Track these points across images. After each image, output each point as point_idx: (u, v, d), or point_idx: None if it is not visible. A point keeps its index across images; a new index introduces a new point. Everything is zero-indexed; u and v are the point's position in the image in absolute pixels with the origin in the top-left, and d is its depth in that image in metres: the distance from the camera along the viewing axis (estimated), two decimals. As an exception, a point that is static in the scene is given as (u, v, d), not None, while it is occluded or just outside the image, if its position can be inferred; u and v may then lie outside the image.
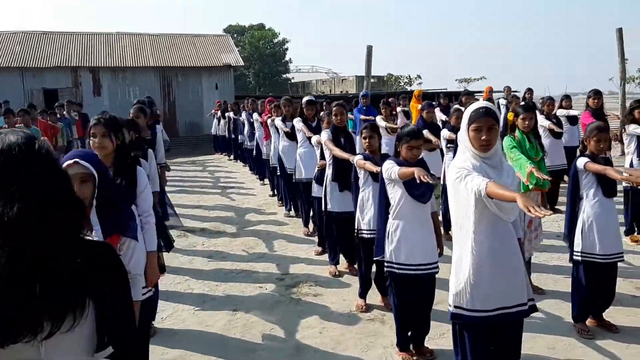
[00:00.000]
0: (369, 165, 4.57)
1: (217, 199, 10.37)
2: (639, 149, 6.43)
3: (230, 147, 16.28)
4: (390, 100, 13.42)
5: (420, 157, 4.14)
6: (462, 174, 2.90)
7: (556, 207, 8.07)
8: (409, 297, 4.02)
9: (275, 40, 50.72)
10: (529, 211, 2.41)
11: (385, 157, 4.52)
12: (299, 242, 7.16)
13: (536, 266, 5.78)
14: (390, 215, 4.02)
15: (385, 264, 4.01)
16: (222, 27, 54.11)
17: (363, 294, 5.02)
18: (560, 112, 9.83)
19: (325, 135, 5.72)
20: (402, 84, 31.29)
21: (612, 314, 4.54)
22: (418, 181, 3.50)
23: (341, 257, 5.94)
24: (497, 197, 2.67)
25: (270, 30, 51.19)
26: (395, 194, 3.97)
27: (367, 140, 4.76)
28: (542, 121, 8.35)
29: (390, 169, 3.90)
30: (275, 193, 9.81)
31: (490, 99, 10.41)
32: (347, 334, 4.49)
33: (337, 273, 5.81)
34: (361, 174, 4.90)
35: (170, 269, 6.23)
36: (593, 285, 4.33)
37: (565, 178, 9.19)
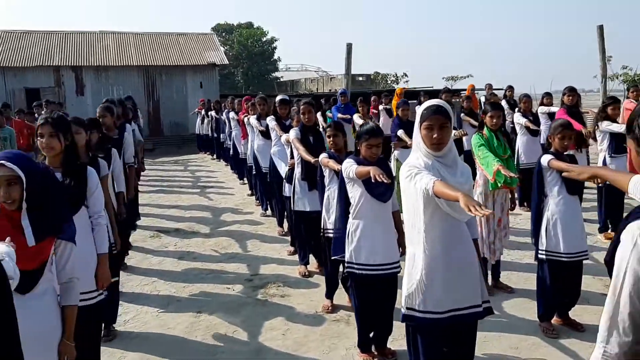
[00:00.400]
0: (332, 164, 4.50)
1: (195, 198, 10.27)
2: (611, 146, 6.40)
3: (214, 146, 16.17)
4: (373, 98, 13.38)
5: (382, 156, 4.07)
6: (412, 173, 2.84)
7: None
8: (370, 297, 3.95)
9: (264, 39, 50.52)
10: (469, 210, 2.35)
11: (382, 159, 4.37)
12: (272, 241, 7.08)
13: (508, 264, 5.74)
14: (350, 215, 3.95)
15: (346, 264, 3.95)
16: (210, 25, 53.86)
17: (329, 294, 4.95)
18: (541, 110, 9.82)
19: (293, 134, 5.64)
20: (389, 82, 31.24)
21: (579, 313, 4.50)
22: (373, 180, 3.44)
23: (311, 257, 5.87)
24: (443, 196, 2.61)
25: (258, 29, 50.97)
26: (355, 193, 3.90)
27: (331, 139, 4.68)
28: (519, 119, 8.33)
29: (348, 167, 3.83)
30: (254, 192, 9.72)
31: (468, 98, 10.36)
32: (310, 336, 4.41)
33: (306, 273, 5.73)
34: (327, 173, 4.83)
35: (140, 271, 6.16)
36: (558, 284, 4.28)
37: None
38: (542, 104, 10.10)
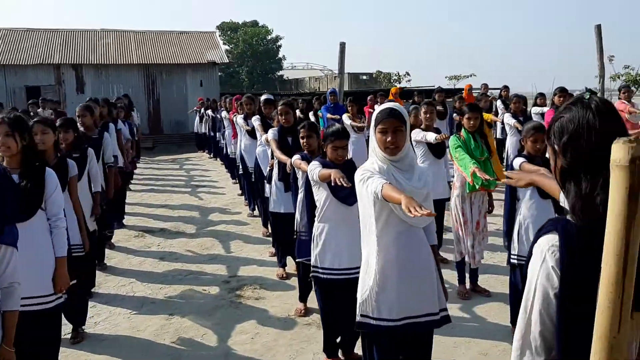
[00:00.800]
0: (304, 166, 4.42)
1: (185, 198, 10.23)
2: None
3: (211, 145, 16.15)
4: (369, 97, 13.30)
5: (350, 158, 4.01)
6: (365, 177, 2.79)
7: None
8: (336, 301, 3.88)
9: (269, 37, 50.49)
10: (409, 211, 2.30)
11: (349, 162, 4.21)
12: (256, 242, 7.03)
13: (488, 267, 5.67)
14: (316, 218, 3.89)
15: (311, 269, 3.89)
16: (216, 23, 53.90)
17: (303, 297, 4.89)
18: (534, 110, 9.74)
19: (271, 134, 5.58)
20: (392, 81, 31.05)
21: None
22: (333, 184, 3.38)
23: (290, 259, 5.81)
24: (389, 199, 2.57)
25: (263, 27, 50.94)
26: (321, 195, 3.84)
27: (304, 140, 4.61)
28: (508, 119, 8.25)
29: (313, 170, 3.77)
30: (243, 192, 9.67)
31: (461, 98, 10.25)
32: (280, 340, 4.36)
33: (284, 275, 5.68)
34: (300, 175, 4.76)
35: (119, 271, 6.13)
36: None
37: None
38: (535, 104, 10.01)
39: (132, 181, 11.85)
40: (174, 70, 21.50)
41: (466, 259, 5.12)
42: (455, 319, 4.16)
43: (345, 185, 3.26)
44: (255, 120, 7.00)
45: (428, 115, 5.86)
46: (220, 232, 7.61)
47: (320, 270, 3.83)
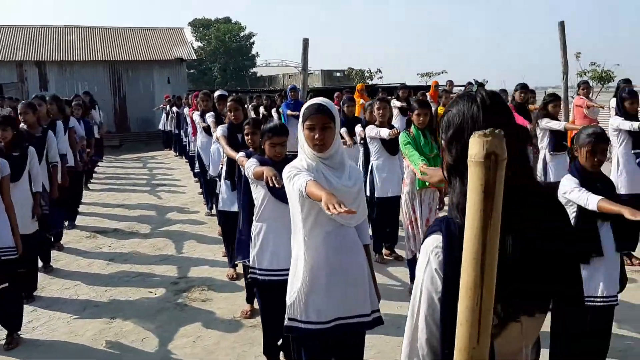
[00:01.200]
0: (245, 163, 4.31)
1: (144, 197, 10.01)
2: (551, 144, 6.29)
3: (177, 143, 15.89)
4: (336, 94, 13.23)
5: (290, 155, 3.89)
6: (292, 174, 2.69)
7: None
8: (276, 304, 3.75)
9: (242, 34, 50.12)
10: (328, 209, 2.21)
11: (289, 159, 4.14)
12: (210, 242, 6.88)
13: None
14: (254, 217, 3.77)
15: (249, 270, 3.77)
16: (188, 20, 53.30)
17: (250, 298, 4.77)
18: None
19: (220, 131, 5.44)
20: (365, 78, 31.02)
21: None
22: (264, 183, 3.26)
23: (241, 259, 5.69)
24: (313, 197, 2.46)
25: (236, 24, 50.54)
26: (259, 194, 3.71)
27: (249, 137, 4.50)
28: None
29: (249, 167, 3.65)
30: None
31: (424, 95, 10.23)
32: (222, 343, 4.24)
33: (234, 276, 5.54)
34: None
35: (65, 273, 5.94)
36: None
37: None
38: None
39: (92, 180, 11.61)
40: (141, 66, 21.13)
41: (417, 256, 5.05)
42: (404, 317, 4.09)
43: (277, 185, 3.14)
44: (209, 117, 6.86)
45: (381, 112, 5.78)
46: (174, 232, 7.44)
47: (258, 272, 3.70)
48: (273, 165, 3.55)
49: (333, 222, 2.73)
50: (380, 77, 30.50)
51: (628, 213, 2.92)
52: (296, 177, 2.64)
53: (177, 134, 14.76)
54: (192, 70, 47.18)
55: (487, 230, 1.01)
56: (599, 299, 3.10)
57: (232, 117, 5.39)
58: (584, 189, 3.13)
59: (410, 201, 5.05)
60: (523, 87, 7.82)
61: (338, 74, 37.03)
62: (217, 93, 6.97)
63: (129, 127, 20.88)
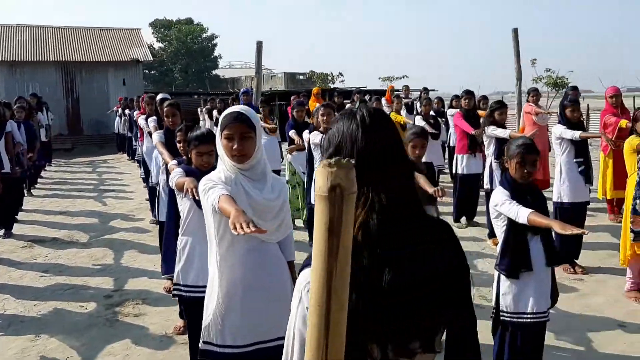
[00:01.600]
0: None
1: (89, 203, 9.64)
2: (497, 151, 6.27)
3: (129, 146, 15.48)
4: (292, 97, 13.08)
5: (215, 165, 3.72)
6: (207, 187, 2.52)
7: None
8: (201, 322, 3.58)
9: (204, 36, 49.54)
10: (234, 228, 2.04)
11: None
12: (152, 252, 6.60)
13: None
14: (180, 230, 3.58)
15: (173, 286, 3.58)
16: (149, 20, 52.37)
17: (183, 313, 4.56)
18: (450, 112, 9.81)
19: (157, 136, 5.25)
20: (327, 81, 30.99)
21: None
22: (184, 194, 3.09)
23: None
24: (224, 213, 2.30)
25: (198, 25, 49.93)
26: (184, 206, 3.53)
27: (180, 145, 4.32)
28: (419, 122, 8.20)
29: (172, 178, 3.46)
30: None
31: (378, 99, 10.18)
32: (150, 361, 4.03)
33: (171, 289, 5.31)
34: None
35: (-7, 287, 5.60)
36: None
37: (441, 177, 9.13)
38: (450, 106, 10.12)
39: (37, 186, 11.17)
40: (95, 67, 20.56)
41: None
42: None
43: (197, 197, 2.97)
44: (152, 122, 6.65)
45: (325, 118, 5.67)
46: (116, 240, 7.15)
47: (183, 288, 3.52)
48: (200, 175, 3.35)
49: (254, 239, 2.56)
50: (342, 81, 30.48)
51: (558, 227, 2.86)
52: (211, 191, 2.48)
53: (129, 137, 14.37)
54: (152, 72, 46.39)
55: (332, 274, 0.87)
56: (529, 316, 3.03)
57: (170, 123, 5.19)
58: (514, 201, 3.06)
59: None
60: (468, 93, 7.82)
61: (301, 77, 36.93)
62: (159, 96, 6.74)
63: (82, 129, 20.27)
